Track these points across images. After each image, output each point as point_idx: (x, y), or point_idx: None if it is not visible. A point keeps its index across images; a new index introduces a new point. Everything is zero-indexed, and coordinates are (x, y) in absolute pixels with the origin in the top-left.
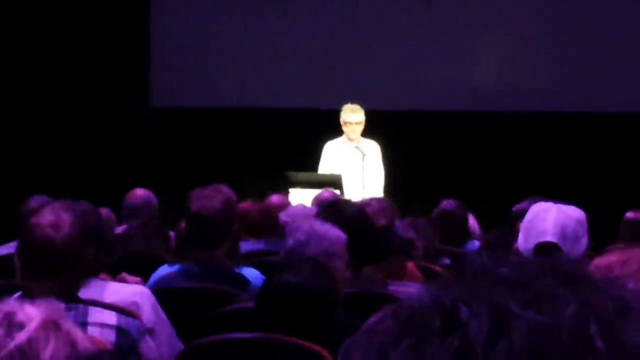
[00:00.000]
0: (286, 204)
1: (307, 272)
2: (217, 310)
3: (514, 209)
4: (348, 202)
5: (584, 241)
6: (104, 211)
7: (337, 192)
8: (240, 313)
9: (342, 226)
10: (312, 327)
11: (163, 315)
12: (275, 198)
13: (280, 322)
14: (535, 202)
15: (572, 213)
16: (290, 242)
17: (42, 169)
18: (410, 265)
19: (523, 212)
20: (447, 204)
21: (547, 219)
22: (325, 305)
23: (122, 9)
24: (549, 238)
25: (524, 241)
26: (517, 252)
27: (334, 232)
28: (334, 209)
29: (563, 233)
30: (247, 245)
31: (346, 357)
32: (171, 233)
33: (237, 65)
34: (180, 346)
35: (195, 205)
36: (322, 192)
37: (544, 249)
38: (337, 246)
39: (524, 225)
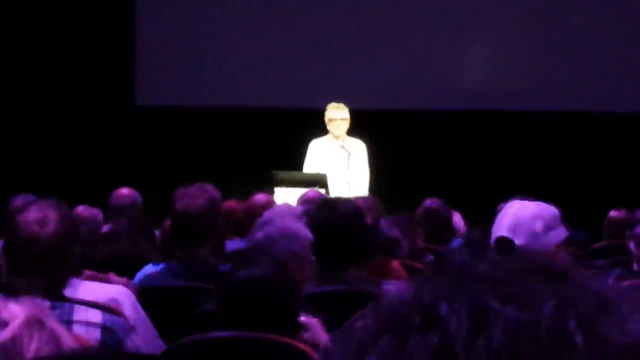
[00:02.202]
0: (271, 203)
1: (263, 266)
2: (201, 309)
3: (499, 207)
4: (342, 199)
5: (549, 237)
6: (93, 211)
7: (323, 191)
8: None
9: (337, 223)
10: (277, 320)
11: (143, 313)
12: (260, 197)
13: (242, 318)
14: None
15: (531, 208)
16: (258, 235)
17: (27, 167)
18: (395, 263)
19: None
20: (430, 202)
21: (507, 214)
22: (285, 297)
23: (108, 7)
24: (504, 233)
25: (492, 237)
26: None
27: (304, 232)
28: (328, 205)
29: (515, 228)
30: (232, 244)
31: (326, 355)
32: (157, 232)
33: (222, 64)
34: (161, 345)
35: (180, 204)
36: (307, 192)
37: (500, 244)
38: (305, 247)
39: (496, 221)
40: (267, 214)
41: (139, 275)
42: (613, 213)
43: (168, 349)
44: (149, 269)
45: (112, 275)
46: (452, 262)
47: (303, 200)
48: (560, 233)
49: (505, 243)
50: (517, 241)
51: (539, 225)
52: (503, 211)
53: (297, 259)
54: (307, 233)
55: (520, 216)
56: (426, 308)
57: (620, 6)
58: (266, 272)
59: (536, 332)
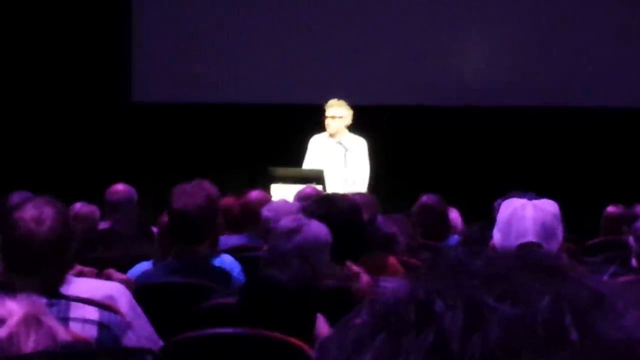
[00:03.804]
0: (267, 199)
1: (293, 269)
2: (200, 305)
3: (495, 203)
4: (339, 195)
5: (560, 233)
6: (90, 207)
7: (320, 187)
8: (222, 308)
9: (333, 219)
10: (295, 323)
11: (140, 310)
12: (255, 193)
13: (263, 317)
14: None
15: (548, 208)
16: (278, 231)
17: (23, 164)
18: (392, 260)
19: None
20: (426, 198)
21: (526, 218)
22: (309, 302)
23: (105, 3)
24: (531, 238)
25: (503, 240)
26: (494, 249)
27: (320, 226)
28: (326, 202)
29: (544, 232)
30: (229, 240)
31: (323, 351)
32: (154, 229)
33: (219, 61)
34: (157, 341)
35: (178, 202)
36: (304, 188)
37: (526, 249)
38: (324, 239)
39: (500, 223)
40: (270, 213)
41: (134, 271)
42: (610, 209)
43: (167, 345)
44: (145, 265)
45: (112, 271)
46: (448, 259)
47: (300, 197)
48: (561, 227)
49: (531, 247)
50: (545, 244)
51: (557, 223)
52: (513, 213)
53: (319, 253)
54: (324, 227)
55: (544, 219)
56: (422, 305)
57: (616, 3)
58: (297, 277)
59: (532, 328)
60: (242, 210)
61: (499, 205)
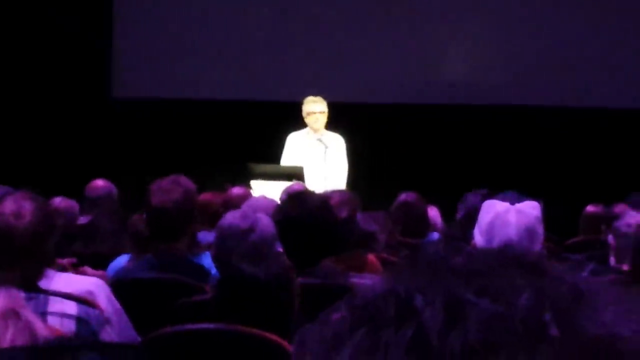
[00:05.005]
0: (248, 196)
1: (268, 263)
2: (179, 302)
3: (469, 199)
4: (312, 193)
5: (541, 233)
6: (69, 202)
7: (302, 184)
8: (202, 304)
9: (305, 217)
10: (271, 317)
11: (118, 306)
12: (237, 189)
13: (238, 312)
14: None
15: (531, 212)
16: (225, 226)
17: (2, 159)
18: (371, 257)
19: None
20: (406, 196)
21: (510, 225)
22: (284, 296)
23: (85, 1)
24: (516, 244)
25: (486, 244)
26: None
27: (267, 219)
28: (297, 199)
29: (528, 236)
30: (208, 236)
31: (301, 346)
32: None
33: (198, 57)
34: (135, 337)
35: (155, 198)
36: (292, 185)
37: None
38: (274, 233)
39: (482, 226)
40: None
41: (113, 266)
42: (590, 208)
43: (146, 340)
44: (123, 259)
45: (87, 269)
46: (428, 255)
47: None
48: (543, 229)
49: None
50: (530, 247)
51: (539, 224)
52: (496, 218)
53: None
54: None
55: (528, 224)
56: (401, 301)
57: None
58: (270, 270)
59: (511, 324)
60: (224, 207)
61: (471, 201)
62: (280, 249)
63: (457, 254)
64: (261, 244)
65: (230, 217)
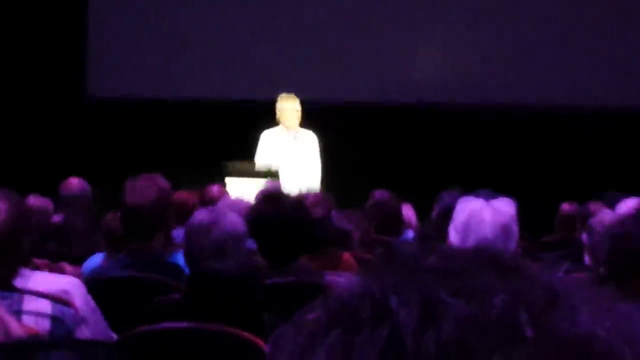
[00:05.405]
0: (225, 194)
1: (234, 259)
2: (153, 300)
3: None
4: (286, 193)
5: (516, 232)
6: (43, 200)
7: (276, 182)
8: (175, 303)
9: (280, 216)
10: (242, 315)
11: (94, 304)
12: (214, 188)
13: (208, 309)
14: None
15: (506, 209)
16: (205, 237)
17: None
18: (346, 255)
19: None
20: (379, 194)
21: (485, 222)
22: (253, 291)
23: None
24: (492, 242)
25: (461, 242)
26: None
27: (235, 218)
28: (272, 199)
29: (503, 234)
30: (178, 234)
31: (276, 346)
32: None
33: (174, 56)
34: (112, 336)
35: (129, 196)
36: (267, 185)
37: (482, 247)
38: (241, 231)
39: (457, 225)
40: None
41: (87, 265)
42: (565, 206)
43: (121, 339)
44: (97, 258)
45: (65, 265)
46: (402, 255)
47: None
48: (517, 227)
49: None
50: (506, 246)
51: (514, 222)
52: (471, 216)
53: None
54: (243, 226)
55: (503, 222)
56: (376, 301)
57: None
58: (235, 265)
59: (486, 325)
60: (200, 205)
61: (446, 199)
62: (253, 247)
63: (432, 253)
64: (225, 239)
65: (197, 215)
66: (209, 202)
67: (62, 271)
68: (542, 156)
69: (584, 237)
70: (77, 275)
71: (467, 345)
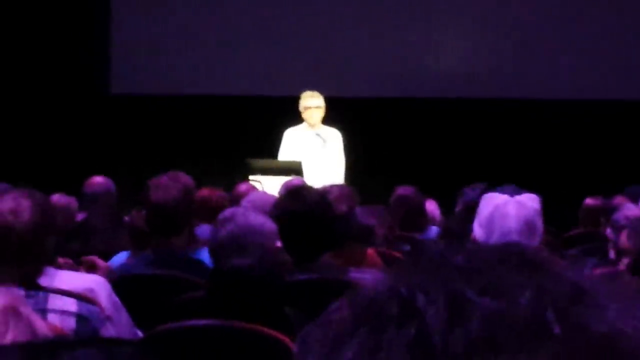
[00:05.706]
0: (252, 191)
1: (256, 256)
2: (178, 297)
3: (467, 193)
4: (310, 188)
5: (540, 227)
6: (67, 199)
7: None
8: (200, 300)
9: (303, 212)
10: (265, 311)
11: (119, 303)
12: (243, 186)
13: (231, 306)
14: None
15: (531, 204)
16: (222, 233)
17: (1, 156)
18: (370, 251)
19: (475, 199)
20: (403, 190)
21: (509, 216)
22: (275, 288)
23: None
24: (515, 237)
25: (486, 237)
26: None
27: (267, 225)
28: (296, 194)
29: (528, 229)
30: (208, 232)
31: (303, 346)
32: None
33: (197, 53)
34: (137, 334)
35: (154, 195)
36: (291, 180)
37: (507, 244)
38: (270, 239)
39: (481, 219)
40: (248, 205)
41: (112, 262)
42: (589, 200)
43: (146, 337)
44: (122, 256)
45: (96, 258)
46: (429, 252)
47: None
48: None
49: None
50: (530, 241)
51: (539, 217)
52: (495, 210)
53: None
54: (270, 224)
55: (528, 217)
56: (403, 300)
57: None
58: (254, 262)
59: (513, 322)
60: (230, 203)
61: (470, 195)
62: (279, 244)
63: (458, 251)
64: (249, 237)
65: (225, 212)
66: (237, 199)
67: (92, 265)
68: (567, 150)
69: (608, 231)
70: (106, 269)
71: (494, 343)
